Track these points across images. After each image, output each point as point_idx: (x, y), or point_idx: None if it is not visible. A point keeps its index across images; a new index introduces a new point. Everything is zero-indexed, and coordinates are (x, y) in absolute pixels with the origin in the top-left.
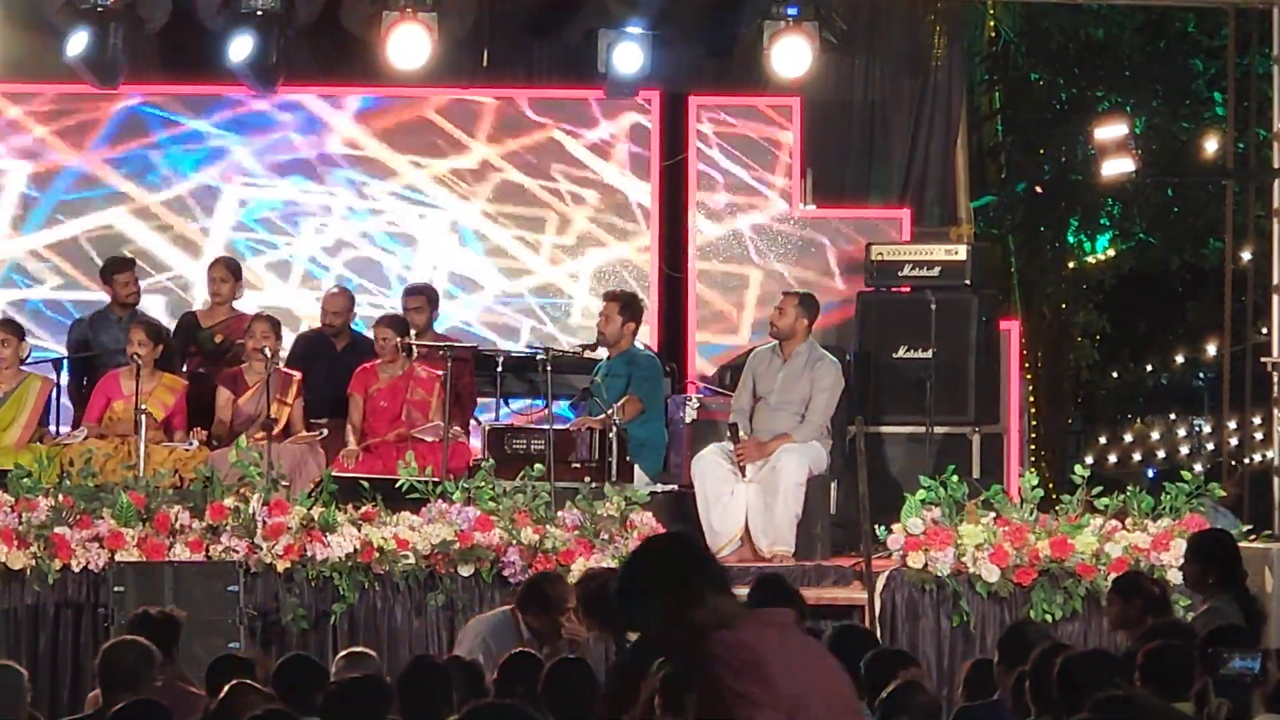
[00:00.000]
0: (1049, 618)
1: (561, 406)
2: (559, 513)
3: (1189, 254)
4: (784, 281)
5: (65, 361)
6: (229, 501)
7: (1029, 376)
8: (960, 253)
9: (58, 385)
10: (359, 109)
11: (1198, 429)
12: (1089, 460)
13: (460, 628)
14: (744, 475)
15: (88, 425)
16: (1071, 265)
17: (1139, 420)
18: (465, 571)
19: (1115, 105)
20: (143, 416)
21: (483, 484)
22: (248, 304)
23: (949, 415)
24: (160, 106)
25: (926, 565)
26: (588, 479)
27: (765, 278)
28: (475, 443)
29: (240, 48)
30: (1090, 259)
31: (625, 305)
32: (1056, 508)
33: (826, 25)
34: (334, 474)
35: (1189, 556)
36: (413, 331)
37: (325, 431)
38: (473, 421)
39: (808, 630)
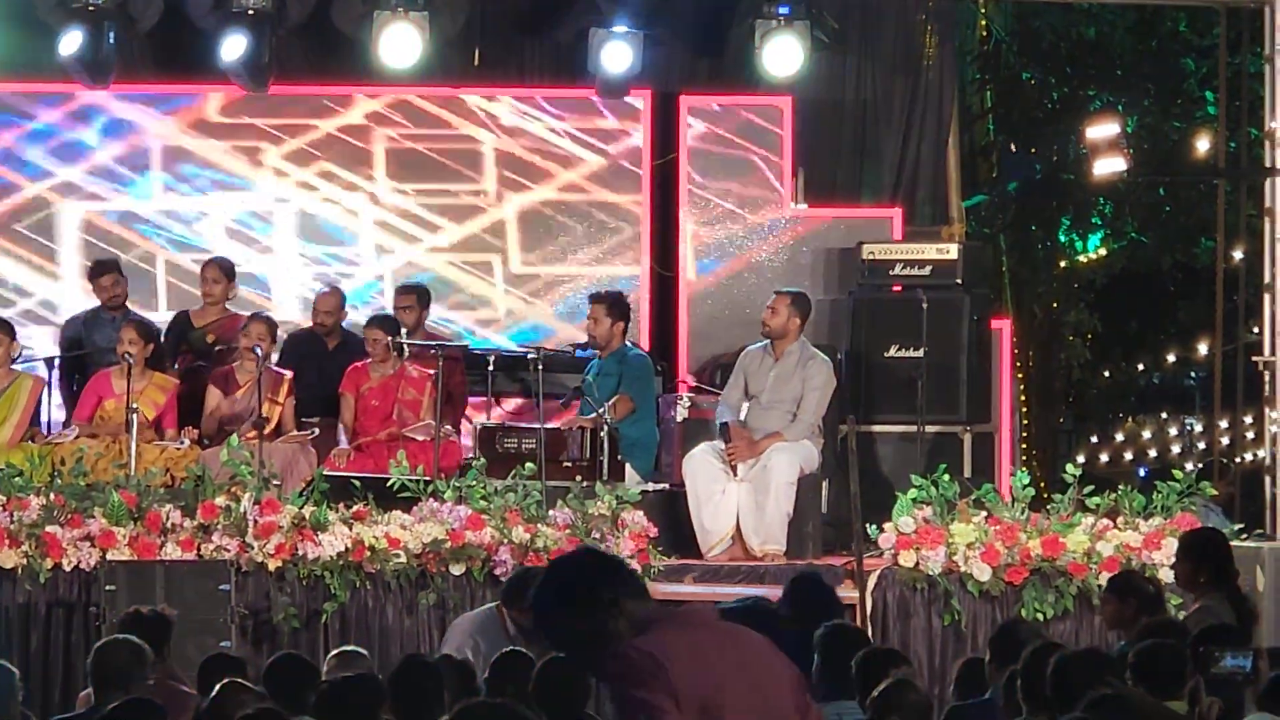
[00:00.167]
0: (1040, 616)
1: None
2: (550, 512)
3: (1180, 253)
4: (775, 280)
5: (57, 360)
6: (220, 500)
7: (1020, 376)
8: (952, 252)
9: (49, 384)
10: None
11: (1189, 428)
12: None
13: None
14: (735, 474)
15: (79, 424)
16: (1063, 264)
17: (1130, 419)
18: (457, 570)
19: (1107, 104)
20: (134, 415)
21: (474, 483)
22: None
23: (940, 414)
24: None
25: (918, 564)
26: (579, 478)
27: (756, 277)
28: (467, 441)
29: (232, 47)
30: (1082, 258)
31: (612, 305)
32: (1048, 507)
33: (818, 24)
34: (325, 473)
35: (1180, 555)
36: (403, 330)
37: (317, 430)
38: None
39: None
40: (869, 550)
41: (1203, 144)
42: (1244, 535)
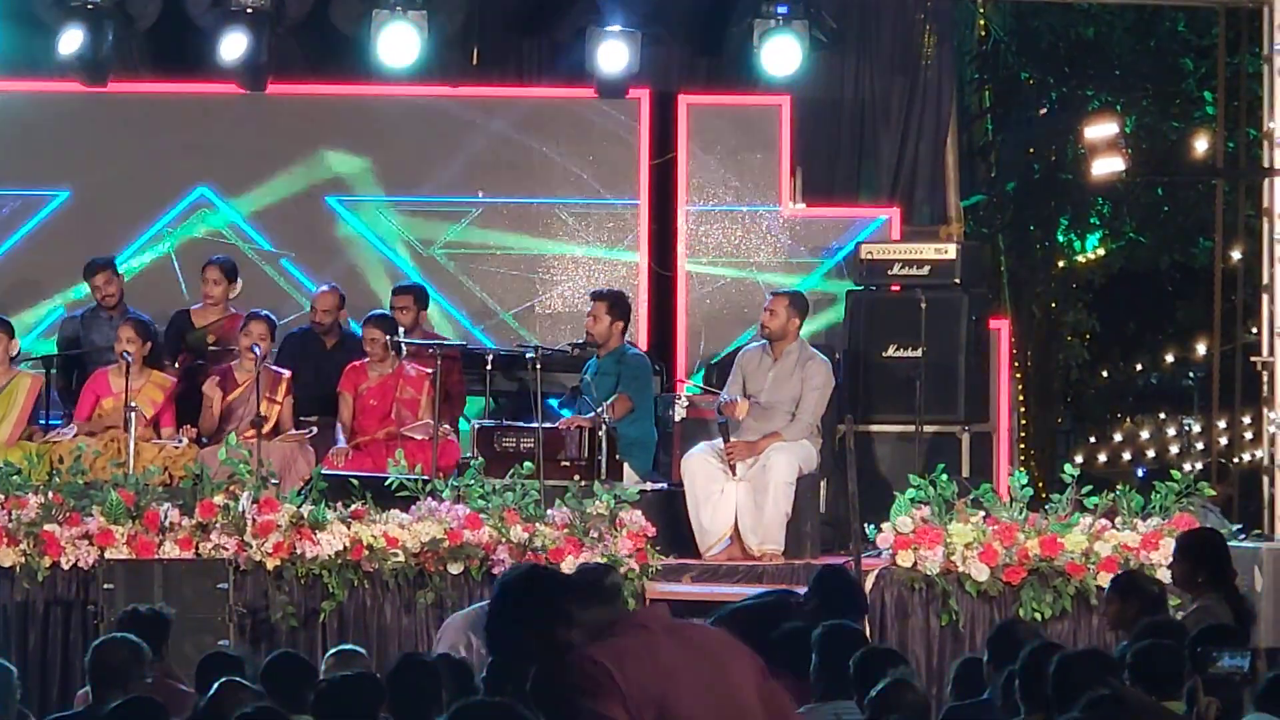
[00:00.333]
0: (1038, 616)
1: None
2: (549, 511)
3: (1179, 253)
4: (773, 280)
5: (55, 359)
6: (218, 499)
7: (1018, 375)
8: (950, 252)
9: (48, 383)
10: None
11: (1187, 428)
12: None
13: None
14: (734, 474)
15: (77, 423)
16: (1061, 264)
17: (1129, 419)
18: (455, 569)
19: (1105, 104)
20: (132, 414)
21: (472, 482)
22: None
23: (938, 414)
24: None
25: (916, 564)
26: (577, 477)
27: (754, 276)
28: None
29: (230, 45)
30: (1080, 258)
31: (613, 304)
32: (1046, 507)
33: (816, 24)
34: (324, 472)
35: (1178, 556)
36: (401, 330)
37: (315, 429)
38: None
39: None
40: (867, 550)
41: (1201, 144)
42: (1242, 536)
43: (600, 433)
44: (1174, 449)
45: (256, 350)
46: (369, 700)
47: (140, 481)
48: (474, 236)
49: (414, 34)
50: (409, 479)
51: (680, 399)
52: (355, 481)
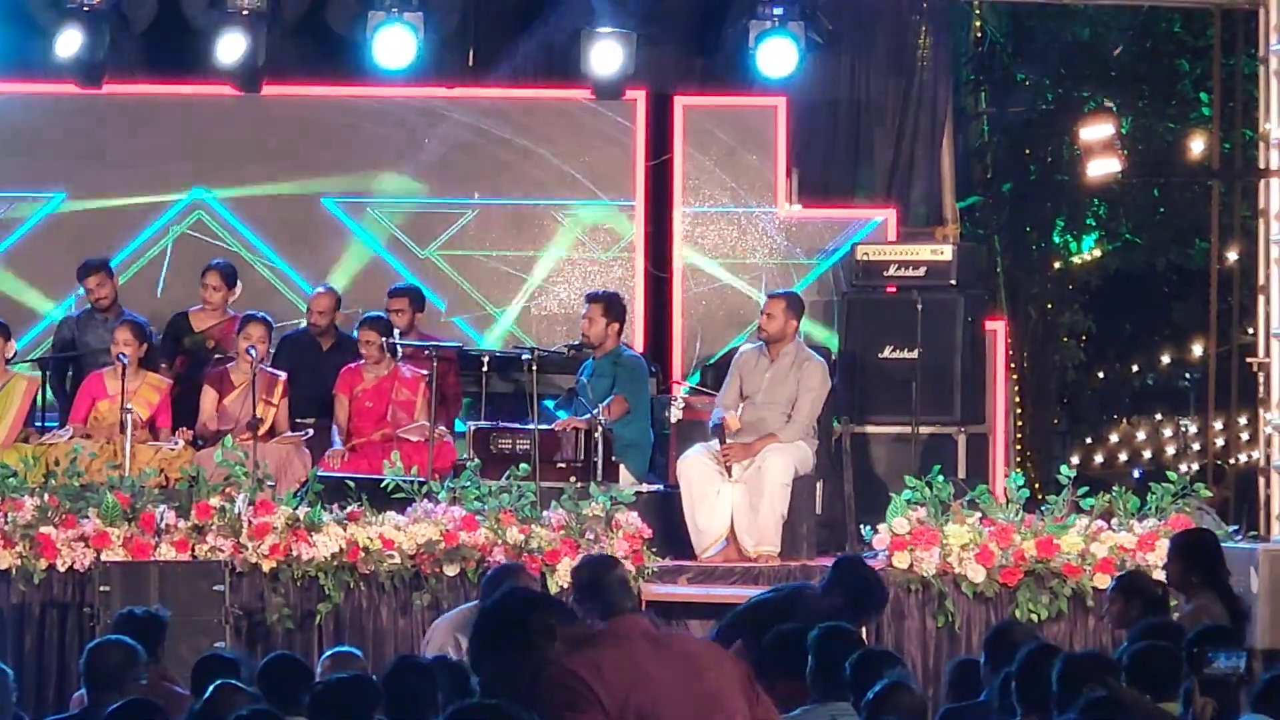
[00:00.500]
0: (1034, 618)
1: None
2: (544, 512)
3: (1175, 254)
4: (769, 282)
5: (51, 361)
6: (214, 501)
7: (1015, 377)
8: (946, 253)
9: (44, 384)
10: None
11: (1184, 430)
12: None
13: None
14: (730, 475)
15: (73, 425)
16: (1057, 265)
17: (1125, 421)
18: (451, 571)
19: (1101, 105)
20: (128, 416)
21: (468, 484)
22: None
23: (934, 415)
24: None
25: (912, 565)
26: (573, 479)
27: (750, 278)
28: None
29: (226, 46)
30: (1076, 259)
31: (608, 306)
32: (1042, 508)
33: (812, 25)
34: (320, 474)
35: (1172, 556)
36: (396, 332)
37: (311, 431)
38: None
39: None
40: (863, 552)
41: (1197, 145)
42: (1239, 537)
43: (596, 434)
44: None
45: (253, 353)
46: (365, 702)
47: (136, 484)
48: (469, 238)
49: (409, 35)
50: (405, 481)
51: (676, 400)
52: (351, 483)
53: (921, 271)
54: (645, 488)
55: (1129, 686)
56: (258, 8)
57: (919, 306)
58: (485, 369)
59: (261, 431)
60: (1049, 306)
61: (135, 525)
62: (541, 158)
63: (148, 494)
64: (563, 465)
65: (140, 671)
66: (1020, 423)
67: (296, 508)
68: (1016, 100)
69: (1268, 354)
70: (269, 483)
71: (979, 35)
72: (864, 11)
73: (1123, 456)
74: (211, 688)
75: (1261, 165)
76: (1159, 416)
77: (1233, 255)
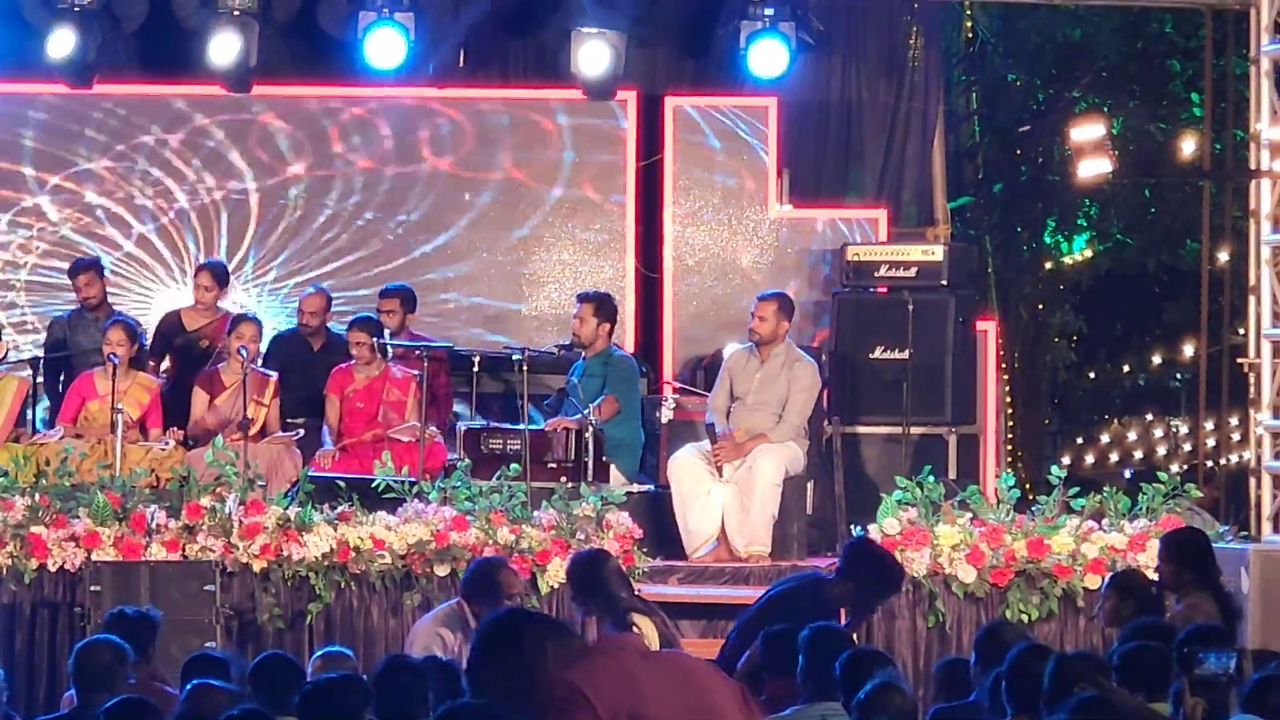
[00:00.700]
0: (1025, 618)
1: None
2: (535, 513)
3: (1166, 255)
4: (760, 283)
5: (42, 361)
6: (205, 501)
7: (1006, 377)
8: (937, 253)
9: (35, 384)
10: None
11: (1175, 430)
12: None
13: None
14: (720, 475)
15: (63, 425)
16: (1048, 266)
17: (1116, 421)
18: (441, 571)
19: (1092, 106)
20: (119, 416)
21: (459, 484)
22: None
23: (925, 416)
24: None
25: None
26: (564, 479)
27: (741, 278)
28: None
29: (218, 47)
30: (1067, 260)
31: (600, 306)
32: (1033, 508)
33: (804, 26)
34: (310, 474)
35: (1163, 556)
36: (387, 332)
37: (301, 432)
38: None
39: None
40: None
41: (1188, 146)
42: (1229, 537)
43: (587, 434)
44: (1161, 450)
45: (244, 352)
46: (355, 702)
47: (127, 483)
48: (461, 238)
49: (400, 36)
50: (396, 481)
51: (667, 401)
52: (342, 483)
53: (912, 272)
54: (636, 488)
55: (1120, 686)
56: (249, 8)
57: (910, 307)
58: (476, 369)
59: (252, 432)
60: (1040, 307)
61: (126, 525)
62: (532, 158)
63: (138, 494)
64: (553, 465)
65: (129, 671)
66: (1011, 423)
67: (287, 508)
68: (1007, 101)
69: (1258, 354)
70: (260, 483)
71: (970, 36)
72: (855, 12)
73: (1114, 457)
74: (188, 689)
75: (1252, 166)
76: (1150, 417)
77: (1224, 256)
